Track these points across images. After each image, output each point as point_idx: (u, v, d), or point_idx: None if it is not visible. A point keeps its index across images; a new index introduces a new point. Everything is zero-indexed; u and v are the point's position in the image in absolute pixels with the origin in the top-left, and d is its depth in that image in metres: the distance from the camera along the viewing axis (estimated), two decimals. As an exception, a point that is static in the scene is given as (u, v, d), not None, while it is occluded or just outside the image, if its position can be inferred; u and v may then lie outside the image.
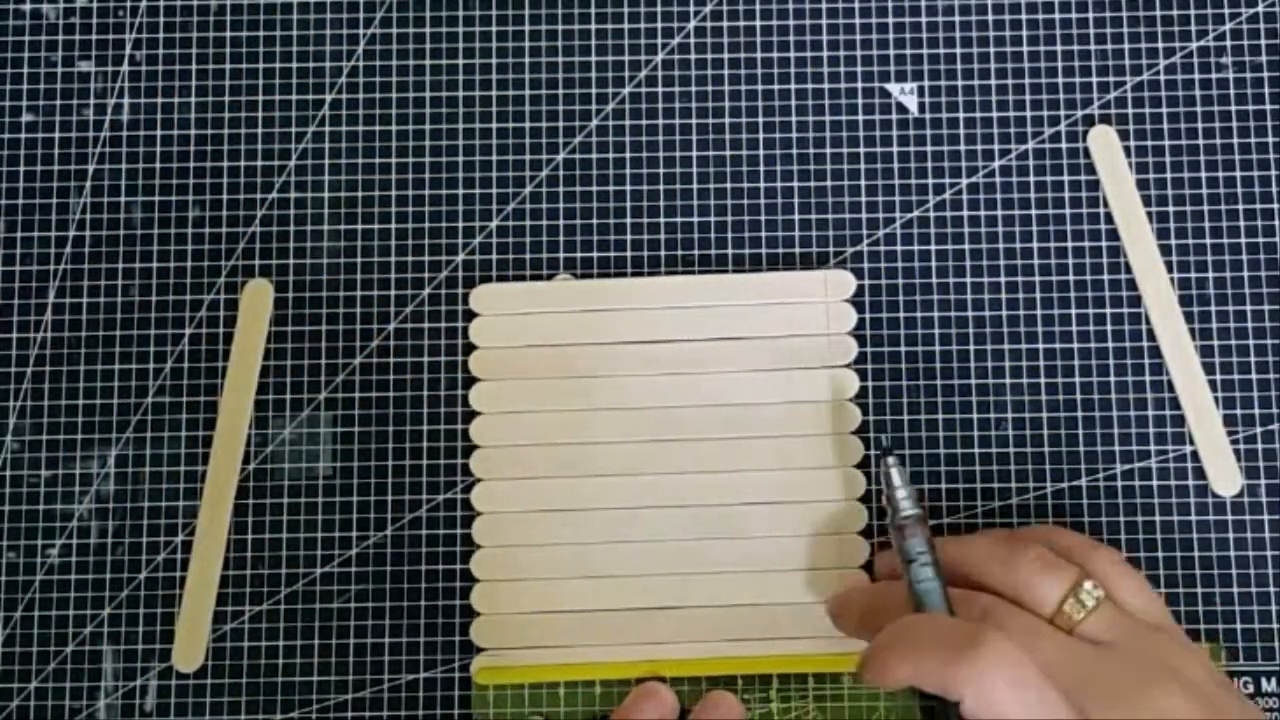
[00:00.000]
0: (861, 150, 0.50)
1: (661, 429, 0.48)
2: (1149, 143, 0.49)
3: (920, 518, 0.43)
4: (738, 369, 0.48)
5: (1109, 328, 0.48)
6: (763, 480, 0.47)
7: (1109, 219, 0.49)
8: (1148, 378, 0.48)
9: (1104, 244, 0.49)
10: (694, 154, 0.50)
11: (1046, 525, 0.47)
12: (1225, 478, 0.48)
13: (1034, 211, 0.49)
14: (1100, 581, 0.41)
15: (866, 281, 0.49)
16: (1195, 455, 0.48)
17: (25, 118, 0.50)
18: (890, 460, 0.44)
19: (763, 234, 0.49)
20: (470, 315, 0.49)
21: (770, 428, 0.48)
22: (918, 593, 0.42)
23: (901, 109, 0.50)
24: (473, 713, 0.47)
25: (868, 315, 0.49)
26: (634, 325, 0.48)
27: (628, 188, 0.50)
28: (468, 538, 0.48)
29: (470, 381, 0.48)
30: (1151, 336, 0.48)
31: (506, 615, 0.47)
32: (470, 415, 0.48)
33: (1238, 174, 0.49)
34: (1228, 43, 0.50)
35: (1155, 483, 0.48)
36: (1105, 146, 0.49)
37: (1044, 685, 0.39)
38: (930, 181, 0.49)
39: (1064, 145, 0.49)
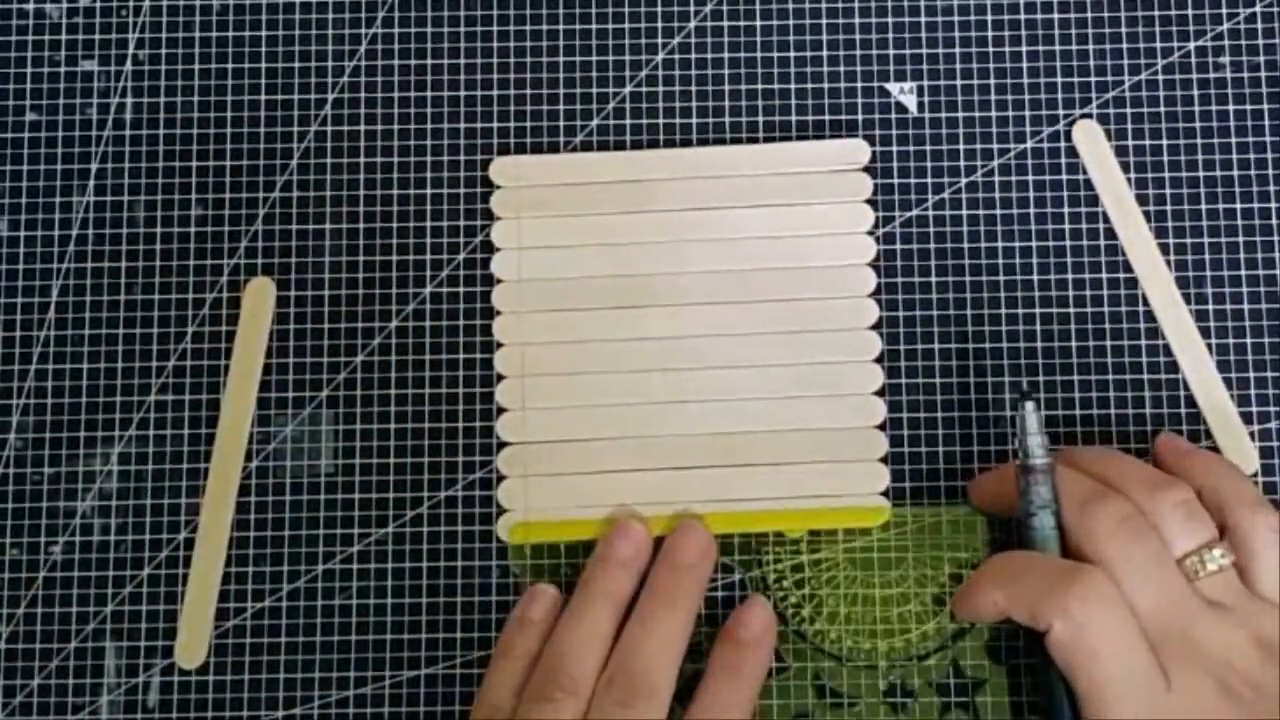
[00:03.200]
0: (861, 149, 0.50)
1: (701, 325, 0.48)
2: (1147, 142, 0.49)
3: (1050, 466, 0.44)
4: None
5: (1107, 326, 0.49)
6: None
7: (1107, 217, 0.49)
8: (1146, 376, 0.48)
9: (1103, 243, 0.49)
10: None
11: (1227, 464, 0.46)
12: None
13: (1033, 210, 0.49)
14: (1240, 545, 0.42)
15: (866, 280, 0.49)
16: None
17: (29, 117, 0.50)
18: (1029, 406, 0.44)
19: (763, 233, 0.49)
20: (471, 311, 0.49)
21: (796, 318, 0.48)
22: (1037, 539, 0.43)
23: (901, 109, 0.50)
24: (509, 564, 0.47)
25: (867, 313, 0.49)
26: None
27: (628, 187, 0.50)
28: (469, 534, 0.48)
29: (471, 380, 0.48)
30: (1154, 335, 0.48)
31: (536, 477, 0.48)
32: (471, 414, 0.48)
33: (1235, 173, 0.49)
34: (1225, 42, 0.50)
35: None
36: (1090, 141, 0.49)
37: (1133, 627, 0.40)
38: (929, 180, 0.50)
39: (1063, 144, 0.50)
